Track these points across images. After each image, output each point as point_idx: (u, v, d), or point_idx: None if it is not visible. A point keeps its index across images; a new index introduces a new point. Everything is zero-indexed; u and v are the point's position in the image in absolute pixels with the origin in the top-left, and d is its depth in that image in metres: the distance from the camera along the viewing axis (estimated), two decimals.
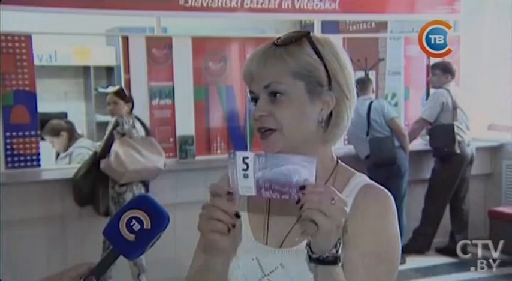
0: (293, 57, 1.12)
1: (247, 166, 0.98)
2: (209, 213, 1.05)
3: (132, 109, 4.21)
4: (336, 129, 1.18)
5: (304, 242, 1.12)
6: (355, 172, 1.22)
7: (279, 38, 1.16)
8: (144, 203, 1.07)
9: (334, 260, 1.01)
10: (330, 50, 1.15)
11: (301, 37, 1.15)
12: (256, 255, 1.17)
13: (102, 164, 4.00)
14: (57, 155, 4.87)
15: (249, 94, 1.18)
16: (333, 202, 0.97)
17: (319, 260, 1.01)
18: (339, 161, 1.23)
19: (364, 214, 1.08)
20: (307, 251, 1.03)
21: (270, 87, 1.13)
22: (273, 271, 1.15)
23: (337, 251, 1.01)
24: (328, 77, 1.14)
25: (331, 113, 1.16)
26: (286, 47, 1.13)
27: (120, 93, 4.19)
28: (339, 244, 1.01)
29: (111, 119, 4.14)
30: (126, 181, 4.02)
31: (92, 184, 4.10)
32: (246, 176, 0.98)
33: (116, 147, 3.97)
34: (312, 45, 1.14)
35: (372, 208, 1.13)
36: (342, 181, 1.19)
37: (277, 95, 1.13)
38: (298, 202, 0.98)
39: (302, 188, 0.98)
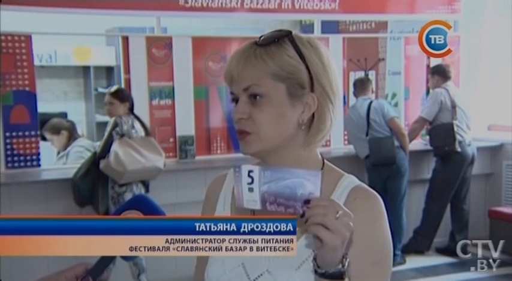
0: (274, 58, 1.08)
1: (252, 180, 0.96)
2: None
3: (131, 109, 4.19)
4: (318, 132, 1.13)
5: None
6: (344, 173, 1.18)
7: (261, 37, 1.11)
8: (140, 203, 1.07)
9: (340, 276, 0.98)
10: (313, 50, 1.11)
11: (283, 37, 1.10)
12: (243, 261, 1.15)
13: (102, 164, 3.99)
14: (58, 154, 4.87)
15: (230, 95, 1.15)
16: (337, 216, 0.93)
17: (324, 275, 0.98)
18: (326, 162, 1.19)
19: (356, 218, 1.04)
20: (313, 265, 1.00)
21: (250, 89, 1.09)
22: (258, 277, 1.13)
23: (343, 266, 0.97)
24: (311, 78, 1.10)
25: (313, 116, 1.12)
26: (267, 47, 1.09)
27: (116, 93, 4.15)
28: (346, 259, 0.98)
29: (110, 120, 4.13)
30: (126, 181, 4.01)
31: (92, 184, 4.09)
32: (251, 190, 0.96)
33: (116, 147, 3.96)
34: (294, 46, 1.10)
35: (364, 212, 1.09)
36: (330, 183, 1.14)
37: (257, 97, 1.09)
38: (303, 216, 0.95)
39: (307, 202, 0.95)
